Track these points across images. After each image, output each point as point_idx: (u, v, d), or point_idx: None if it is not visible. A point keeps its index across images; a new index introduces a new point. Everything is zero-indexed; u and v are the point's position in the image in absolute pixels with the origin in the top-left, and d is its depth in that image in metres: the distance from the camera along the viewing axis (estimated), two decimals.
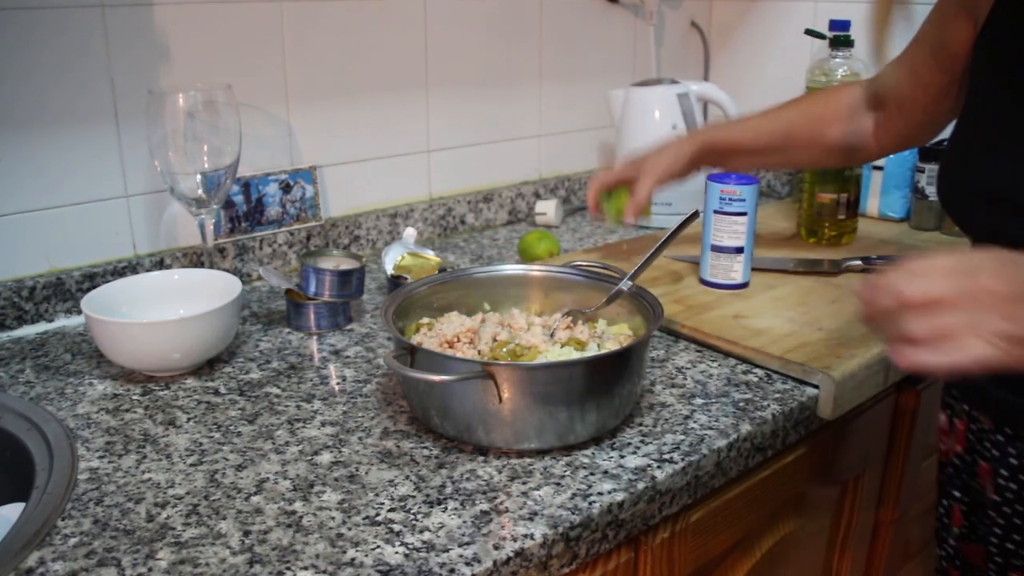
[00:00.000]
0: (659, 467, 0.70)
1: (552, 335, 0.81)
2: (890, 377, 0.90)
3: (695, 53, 1.66)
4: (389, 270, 1.07)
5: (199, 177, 0.96)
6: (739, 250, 1.03)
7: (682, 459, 0.71)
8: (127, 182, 1.04)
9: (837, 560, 1.05)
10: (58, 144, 0.98)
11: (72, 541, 0.61)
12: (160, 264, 1.06)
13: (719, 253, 1.04)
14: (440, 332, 0.79)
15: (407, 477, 0.68)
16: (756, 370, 0.87)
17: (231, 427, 0.77)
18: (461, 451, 0.72)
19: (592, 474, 0.69)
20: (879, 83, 0.97)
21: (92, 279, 1.01)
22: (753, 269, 1.07)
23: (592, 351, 0.77)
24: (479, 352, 0.77)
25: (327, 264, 0.99)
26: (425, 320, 0.83)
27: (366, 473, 0.69)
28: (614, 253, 1.19)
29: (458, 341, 0.79)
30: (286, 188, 1.16)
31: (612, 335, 0.82)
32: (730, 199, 1.01)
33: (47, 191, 0.98)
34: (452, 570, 0.58)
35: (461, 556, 0.59)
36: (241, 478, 0.69)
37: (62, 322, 1.00)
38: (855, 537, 1.05)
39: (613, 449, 0.73)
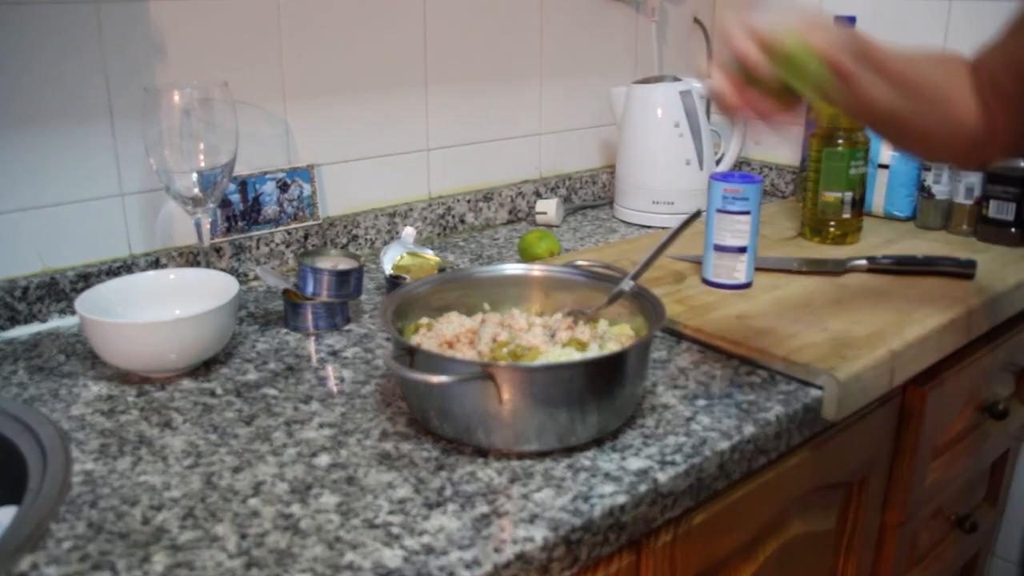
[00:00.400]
0: (661, 469, 0.69)
1: (553, 335, 0.80)
2: (896, 378, 0.89)
3: (698, 50, 1.65)
4: (388, 270, 1.06)
5: (195, 176, 0.95)
6: (742, 249, 1.02)
7: (684, 461, 0.70)
8: (122, 180, 1.03)
9: (843, 564, 1.04)
10: (52, 142, 0.97)
11: (66, 545, 0.60)
12: (156, 264, 1.05)
13: (722, 253, 1.03)
14: (440, 332, 0.78)
15: (406, 479, 0.67)
16: (759, 371, 0.86)
17: (228, 429, 0.76)
18: (461, 453, 0.71)
19: (593, 476, 0.68)
20: (978, 71, 0.77)
21: (86, 279, 1.00)
22: (756, 269, 1.06)
23: (593, 352, 0.76)
24: (479, 353, 0.76)
25: (325, 264, 0.98)
26: (424, 320, 0.82)
27: (364, 475, 0.68)
28: (615, 252, 1.18)
29: (458, 342, 0.78)
30: (283, 187, 1.15)
31: (614, 336, 0.81)
32: (733, 198, 1.00)
33: (40, 189, 0.97)
34: (451, 573, 0.57)
35: (461, 559, 0.58)
36: (238, 480, 0.68)
37: (56, 323, 0.99)
38: (861, 540, 1.04)
39: (615, 451, 0.72)
